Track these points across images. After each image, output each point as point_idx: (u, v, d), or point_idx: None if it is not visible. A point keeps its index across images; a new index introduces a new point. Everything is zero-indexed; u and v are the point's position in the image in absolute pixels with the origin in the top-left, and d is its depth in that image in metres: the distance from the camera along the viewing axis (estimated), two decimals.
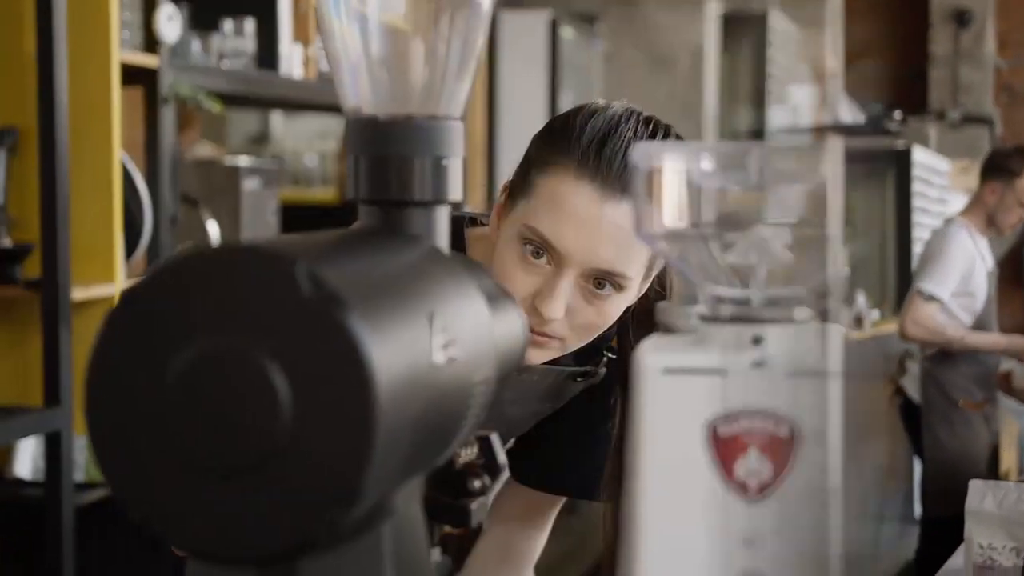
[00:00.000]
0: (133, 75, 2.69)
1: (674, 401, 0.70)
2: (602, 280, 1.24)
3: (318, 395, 0.62)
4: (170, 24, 2.70)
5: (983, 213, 4.35)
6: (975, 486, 1.91)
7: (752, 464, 0.68)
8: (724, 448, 0.68)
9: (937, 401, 4.39)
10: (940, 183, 7.31)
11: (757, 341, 0.70)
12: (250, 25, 3.09)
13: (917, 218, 6.84)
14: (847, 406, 0.69)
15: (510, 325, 0.87)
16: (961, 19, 9.16)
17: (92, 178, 2.54)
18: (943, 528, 4.26)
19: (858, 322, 5.43)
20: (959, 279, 4.25)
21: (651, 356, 0.70)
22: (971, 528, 1.87)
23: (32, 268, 2.45)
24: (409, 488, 0.73)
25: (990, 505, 1.88)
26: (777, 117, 7.11)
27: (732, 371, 0.69)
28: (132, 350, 0.64)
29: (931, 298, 4.21)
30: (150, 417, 0.63)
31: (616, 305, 1.26)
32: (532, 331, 1.24)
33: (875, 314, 5.83)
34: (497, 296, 0.86)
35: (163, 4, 2.70)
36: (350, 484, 0.61)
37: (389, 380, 0.63)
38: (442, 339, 0.70)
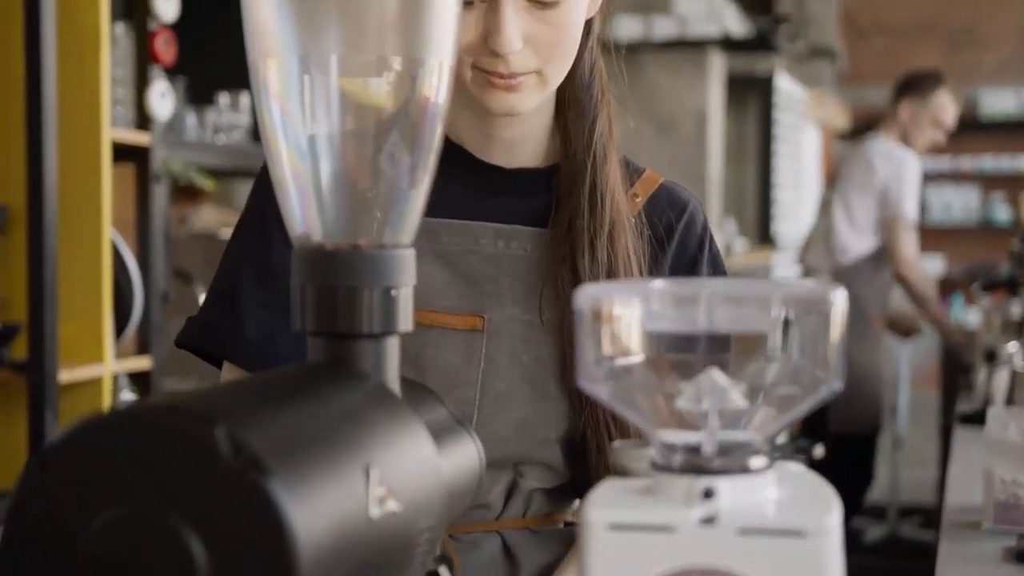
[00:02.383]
0: (125, 152, 2.68)
1: (621, 558, 0.67)
2: None
3: (238, 564, 0.59)
4: (163, 101, 2.69)
5: (898, 133, 4.44)
6: (995, 413, 1.70)
7: None
8: None
9: (849, 314, 4.39)
10: (798, 112, 7.42)
11: (708, 494, 0.67)
12: (245, 99, 3.09)
13: (775, 146, 6.92)
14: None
15: (462, 459, 0.84)
16: None
17: (82, 257, 2.52)
18: (847, 446, 4.27)
19: (727, 251, 5.52)
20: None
21: (597, 511, 0.67)
22: (991, 461, 1.67)
23: (19, 349, 2.43)
24: None
25: (1014, 434, 1.67)
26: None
27: (681, 528, 0.66)
28: (47, 513, 0.61)
29: (914, 224, 4.28)
30: None
31: (573, 11, 1.17)
32: (502, 76, 1.16)
33: (742, 243, 5.91)
34: (449, 428, 0.84)
35: (156, 81, 2.69)
36: None
37: (314, 545, 0.60)
38: (380, 491, 0.67)
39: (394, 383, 0.78)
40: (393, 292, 0.77)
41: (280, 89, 0.77)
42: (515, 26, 1.14)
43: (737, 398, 0.69)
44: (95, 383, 2.54)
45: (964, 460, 2.43)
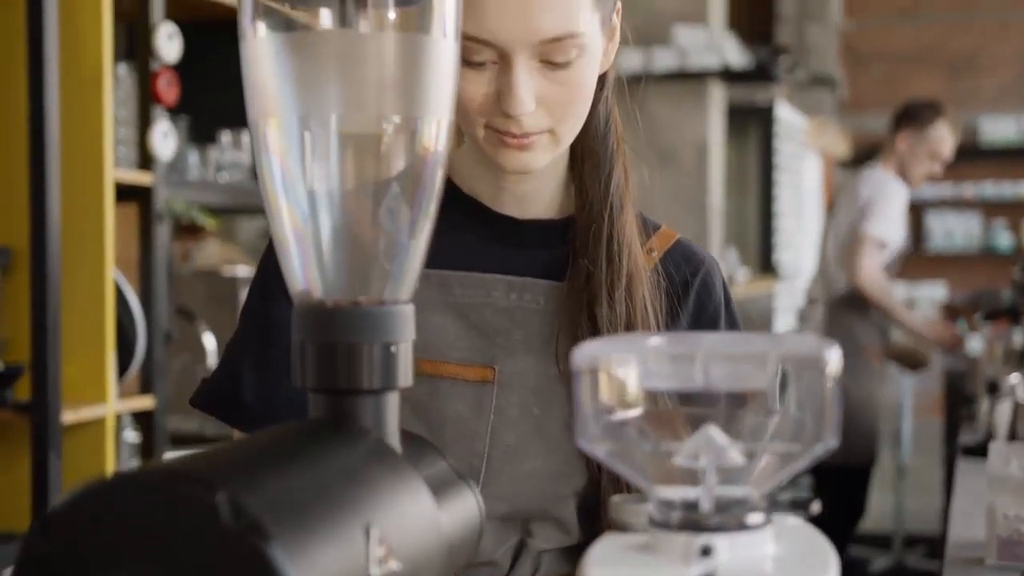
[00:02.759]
0: (128, 192, 2.69)
1: None
2: (556, 50, 1.13)
3: None
4: (165, 141, 2.70)
5: (895, 164, 4.43)
6: (996, 448, 1.71)
7: None
8: None
9: (841, 344, 4.37)
10: (799, 141, 7.44)
11: (706, 552, 0.67)
12: (247, 137, 3.10)
13: (776, 175, 6.94)
14: None
15: (462, 512, 0.84)
16: None
17: (85, 298, 2.53)
18: (841, 478, 4.26)
19: (729, 281, 5.50)
20: (897, 226, 4.33)
21: (596, 569, 0.67)
22: (993, 496, 1.67)
23: (22, 390, 2.43)
24: None
25: (1016, 469, 1.67)
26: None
27: None
28: None
29: (881, 244, 4.25)
30: None
31: (586, 70, 1.16)
32: (514, 136, 1.16)
33: (744, 272, 5.92)
34: (449, 482, 0.84)
35: (158, 121, 2.71)
36: None
37: None
38: (380, 551, 0.68)
39: (394, 438, 0.79)
40: (393, 348, 0.78)
41: (280, 147, 0.78)
42: (528, 88, 1.13)
43: (735, 455, 0.69)
44: (98, 423, 2.54)
45: (967, 493, 2.43)
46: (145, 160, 2.71)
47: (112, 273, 2.56)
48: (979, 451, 2.78)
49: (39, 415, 2.37)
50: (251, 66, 0.79)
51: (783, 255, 7.31)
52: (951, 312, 9.81)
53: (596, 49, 1.17)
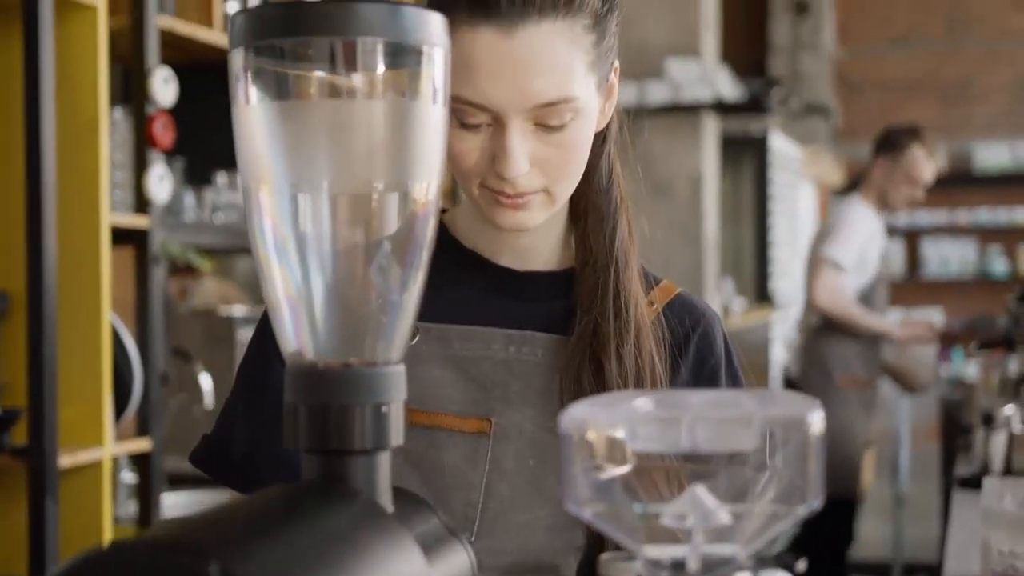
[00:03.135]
0: (124, 235, 2.70)
1: None
2: (550, 114, 1.13)
3: None
4: (161, 184, 2.72)
5: (875, 191, 4.43)
6: (990, 484, 1.71)
7: None
8: None
9: (814, 375, 4.37)
10: (793, 170, 7.46)
11: None
12: None
13: (771, 205, 6.96)
14: None
15: (454, 570, 0.85)
16: (800, 9, 9.33)
17: (81, 341, 2.54)
18: (826, 508, 4.20)
19: (725, 311, 5.50)
20: (858, 250, 4.29)
21: None
22: (988, 532, 1.67)
23: (19, 434, 2.44)
24: None
25: (1010, 505, 1.67)
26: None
27: None
28: None
29: (838, 266, 4.24)
30: None
31: (581, 131, 1.16)
32: (509, 196, 1.16)
33: (740, 302, 5.92)
34: (441, 538, 0.85)
35: (154, 165, 2.72)
36: None
37: None
38: None
39: (385, 497, 0.80)
40: (384, 409, 0.79)
41: (272, 212, 0.80)
42: (521, 150, 1.14)
43: (721, 515, 0.70)
44: (95, 466, 2.54)
45: (963, 525, 2.44)
46: (141, 203, 2.73)
47: (108, 316, 2.57)
48: (975, 483, 2.79)
49: (36, 460, 2.37)
50: (243, 133, 0.80)
51: (779, 284, 7.33)
52: (947, 339, 9.84)
53: (592, 110, 1.17)
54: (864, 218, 4.36)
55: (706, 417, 0.70)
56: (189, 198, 3.00)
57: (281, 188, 0.80)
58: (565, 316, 1.26)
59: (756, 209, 7.13)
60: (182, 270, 3.47)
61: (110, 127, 2.63)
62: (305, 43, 0.80)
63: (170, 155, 2.86)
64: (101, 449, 2.54)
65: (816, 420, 0.70)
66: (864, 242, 4.35)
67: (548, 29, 1.12)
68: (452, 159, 1.16)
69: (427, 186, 0.81)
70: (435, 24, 0.80)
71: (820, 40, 9.61)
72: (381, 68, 0.80)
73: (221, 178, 3.12)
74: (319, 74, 0.90)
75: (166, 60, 2.80)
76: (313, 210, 0.79)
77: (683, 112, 5.39)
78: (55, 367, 2.44)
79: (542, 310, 1.27)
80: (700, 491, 0.71)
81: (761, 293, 7.07)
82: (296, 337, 0.81)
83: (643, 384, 1.20)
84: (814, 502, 0.70)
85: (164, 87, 2.71)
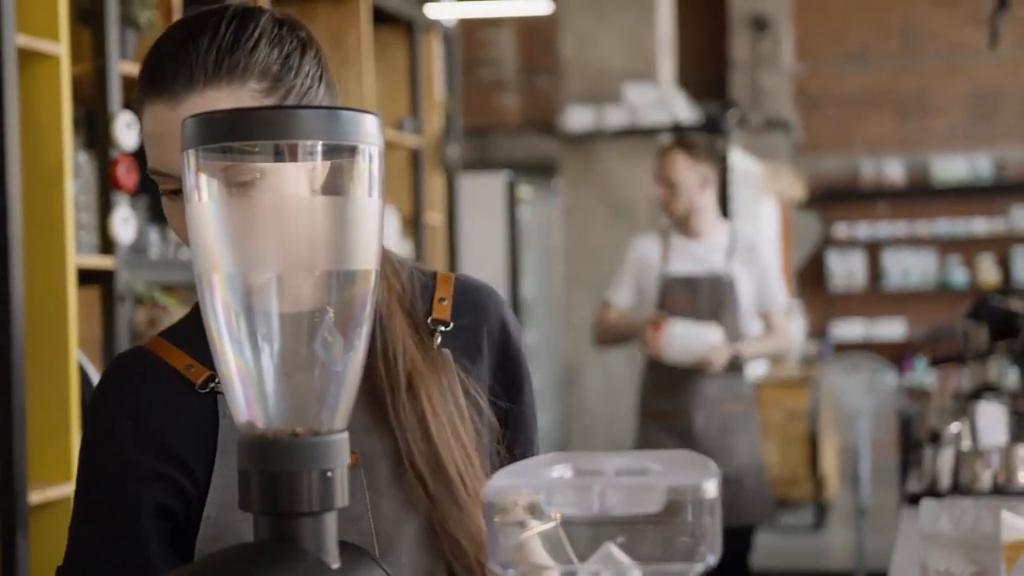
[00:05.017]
0: (90, 275, 2.77)
1: None
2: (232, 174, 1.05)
3: None
4: (125, 226, 2.79)
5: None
6: (927, 505, 1.79)
7: None
8: None
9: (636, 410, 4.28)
10: (755, 185, 7.56)
11: None
12: None
13: (732, 222, 7.05)
14: None
15: None
16: (759, 26, 9.47)
17: (49, 380, 2.60)
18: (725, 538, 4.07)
19: None
20: (633, 285, 4.16)
21: None
22: (926, 552, 1.75)
23: None
24: None
25: (946, 526, 1.76)
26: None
27: None
28: None
29: (606, 303, 4.19)
30: None
31: (271, 191, 1.09)
32: None
33: None
34: None
35: (118, 207, 2.79)
36: None
37: None
38: None
39: (332, 555, 0.87)
40: (329, 474, 0.87)
41: (223, 295, 0.88)
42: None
43: (633, 573, 0.78)
44: (64, 503, 2.60)
45: (908, 543, 2.51)
46: (106, 244, 2.79)
47: (76, 355, 2.64)
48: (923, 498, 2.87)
49: (6, 497, 2.43)
50: (195, 226, 0.88)
51: None
52: (908, 349, 9.99)
53: (285, 169, 1.05)
54: (632, 252, 4.23)
55: (615, 484, 0.78)
56: (154, 235, 3.07)
57: (231, 274, 0.87)
58: None
59: None
60: (150, 301, 3.53)
61: (75, 171, 2.69)
62: (251, 145, 0.88)
63: (133, 195, 2.93)
64: (70, 485, 2.60)
65: (711, 486, 0.78)
66: (636, 275, 4.17)
67: (211, 96, 1.19)
68: (176, 229, 1.23)
69: (366, 267, 0.89)
70: (369, 125, 0.88)
71: (779, 56, 9.75)
72: (320, 166, 0.88)
73: None
74: (264, 173, 0.98)
75: (128, 101, 2.86)
76: (261, 293, 0.87)
77: (641, 135, 5.49)
78: (24, 406, 2.50)
79: None
80: (612, 549, 0.79)
81: None
82: (247, 409, 0.88)
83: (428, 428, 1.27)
84: (710, 558, 0.78)
85: (127, 132, 2.78)
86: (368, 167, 0.88)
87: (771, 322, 4.13)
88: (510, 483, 0.79)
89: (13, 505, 2.45)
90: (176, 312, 3.58)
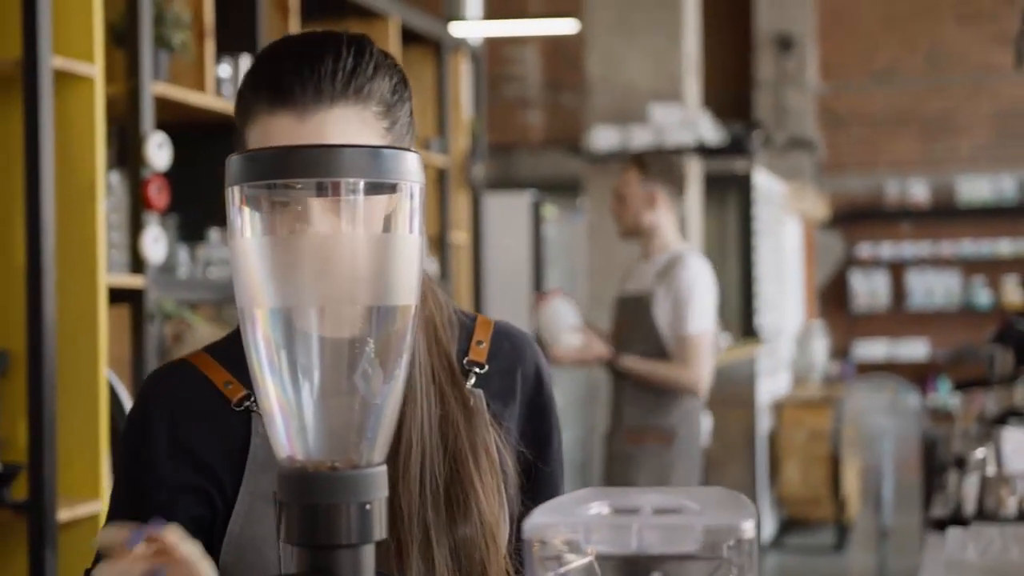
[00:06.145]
0: (120, 295, 2.79)
1: None
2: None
3: None
4: (156, 245, 2.81)
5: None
6: (954, 534, 1.80)
7: None
8: None
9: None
10: (778, 205, 7.54)
11: None
12: None
13: (755, 241, 7.04)
14: None
15: None
16: (784, 45, 9.44)
17: (79, 398, 2.62)
18: None
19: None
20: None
21: None
22: None
23: (19, 490, 2.52)
24: None
25: (972, 554, 1.76)
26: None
27: None
28: None
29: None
30: None
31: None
32: None
33: (726, 338, 5.96)
34: None
35: (149, 227, 2.81)
36: None
37: None
38: None
39: None
40: (368, 506, 0.88)
41: (265, 333, 0.89)
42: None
43: None
44: (93, 519, 2.62)
45: (935, 567, 2.51)
46: (137, 264, 2.82)
47: (105, 373, 2.66)
48: (947, 525, 2.86)
49: (36, 514, 2.45)
50: (239, 261, 0.89)
51: (765, 319, 7.43)
52: (932, 369, 9.95)
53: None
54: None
55: (653, 524, 0.79)
56: (183, 254, 3.09)
57: (273, 310, 0.89)
58: None
59: (741, 245, 7.23)
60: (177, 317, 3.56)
61: (107, 190, 2.72)
62: (295, 183, 0.89)
63: (164, 214, 2.95)
64: (99, 502, 2.62)
65: (749, 526, 0.79)
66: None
67: (339, 113, 1.21)
68: None
69: (406, 303, 0.90)
70: (411, 162, 0.89)
71: (804, 75, 9.74)
72: (362, 204, 0.89)
73: (215, 234, 3.21)
74: (307, 210, 0.99)
75: (160, 121, 2.89)
76: (302, 328, 0.89)
77: None
78: (54, 423, 2.52)
79: None
80: None
81: (747, 328, 7.16)
82: (288, 444, 0.90)
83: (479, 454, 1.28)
84: None
85: (159, 152, 2.80)
86: (409, 204, 0.90)
87: (681, 348, 3.88)
88: (549, 520, 0.80)
89: (42, 522, 2.47)
90: (201, 329, 3.61)
